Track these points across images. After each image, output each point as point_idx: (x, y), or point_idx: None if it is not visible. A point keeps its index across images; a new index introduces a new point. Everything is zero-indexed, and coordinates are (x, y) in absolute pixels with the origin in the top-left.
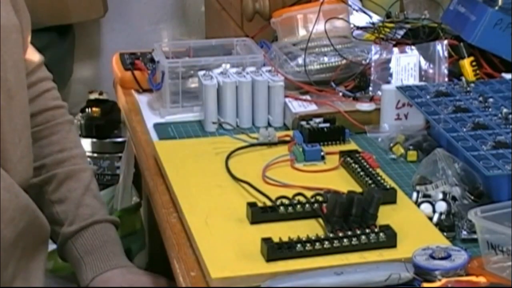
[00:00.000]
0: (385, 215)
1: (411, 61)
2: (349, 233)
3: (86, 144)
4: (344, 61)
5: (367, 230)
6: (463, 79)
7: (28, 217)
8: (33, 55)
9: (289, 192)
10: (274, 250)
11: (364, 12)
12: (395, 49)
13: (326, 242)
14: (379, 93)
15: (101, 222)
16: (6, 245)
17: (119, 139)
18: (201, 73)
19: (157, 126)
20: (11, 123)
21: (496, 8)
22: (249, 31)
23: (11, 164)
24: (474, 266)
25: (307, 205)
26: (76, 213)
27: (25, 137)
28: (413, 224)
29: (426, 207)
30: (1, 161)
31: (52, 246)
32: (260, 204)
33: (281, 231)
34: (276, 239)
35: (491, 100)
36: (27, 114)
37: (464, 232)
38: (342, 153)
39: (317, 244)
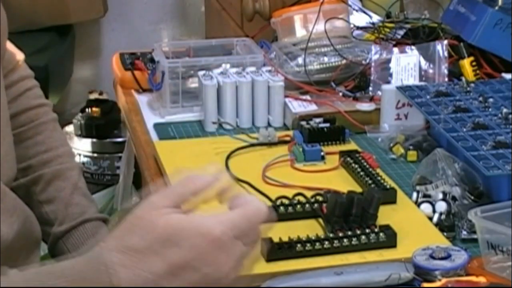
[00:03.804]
0: (385, 215)
1: (411, 61)
2: (349, 233)
3: (86, 144)
4: (344, 61)
5: (367, 230)
6: (463, 79)
7: (18, 218)
8: (14, 53)
9: (289, 192)
10: (274, 250)
11: (364, 12)
12: (395, 49)
13: (326, 242)
14: (379, 93)
15: (91, 221)
16: (6, 244)
17: (119, 139)
18: (201, 73)
19: (157, 126)
20: None
21: (496, 8)
22: (249, 31)
23: None
24: (474, 266)
25: (307, 205)
26: (65, 213)
27: (7, 134)
28: (413, 224)
29: (426, 207)
30: None
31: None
32: None
33: (281, 231)
34: (276, 239)
35: (491, 100)
36: (7, 111)
37: (464, 232)
38: (342, 153)
39: (317, 244)
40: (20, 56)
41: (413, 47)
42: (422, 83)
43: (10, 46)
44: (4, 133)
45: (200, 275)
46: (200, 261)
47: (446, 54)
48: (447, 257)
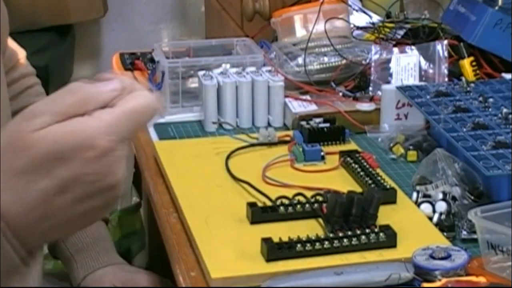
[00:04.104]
0: (385, 215)
1: (411, 61)
2: (349, 233)
3: None
4: (344, 61)
5: (367, 230)
6: (463, 79)
7: None
8: (15, 51)
9: (289, 192)
10: (274, 250)
11: (364, 12)
12: (395, 49)
13: (326, 242)
14: (379, 93)
15: None
16: None
17: None
18: (201, 73)
19: (157, 126)
20: None
21: (496, 8)
22: (249, 31)
23: None
24: (474, 266)
25: (307, 205)
26: None
27: None
28: (413, 224)
29: (426, 207)
30: None
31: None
32: (260, 204)
33: (281, 231)
34: (276, 239)
35: (491, 100)
36: (9, 109)
37: (464, 232)
38: (342, 153)
39: (317, 244)
40: (21, 54)
41: (413, 47)
42: (422, 83)
43: (11, 43)
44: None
45: (93, 186)
46: (91, 174)
47: (446, 54)
48: (447, 257)
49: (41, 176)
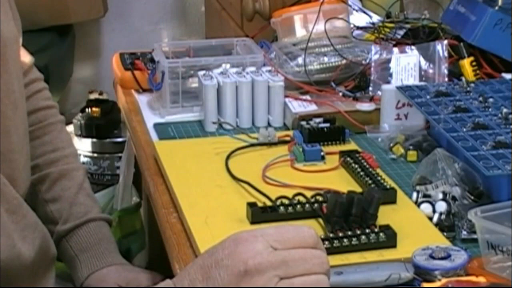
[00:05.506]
0: (385, 215)
1: (411, 61)
2: (349, 233)
3: (86, 144)
4: (344, 61)
5: (367, 230)
6: (463, 79)
7: (39, 234)
8: (25, 57)
9: (289, 192)
10: None
11: (364, 12)
12: (395, 49)
13: (326, 242)
14: (379, 93)
15: (95, 220)
16: (27, 263)
17: (119, 139)
18: (201, 73)
19: (157, 126)
20: (17, 132)
21: (496, 8)
22: (249, 31)
23: (18, 172)
24: (474, 266)
25: (307, 205)
26: (70, 212)
27: (26, 143)
28: (413, 224)
29: (426, 207)
30: (11, 171)
31: None
32: (260, 204)
33: None
34: None
35: (491, 100)
36: (27, 121)
37: (464, 232)
38: (342, 153)
39: None
40: (30, 59)
41: (413, 47)
42: (422, 83)
43: (21, 49)
44: (24, 142)
45: (230, 271)
46: (226, 258)
47: (446, 54)
48: (447, 257)
49: (192, 263)
